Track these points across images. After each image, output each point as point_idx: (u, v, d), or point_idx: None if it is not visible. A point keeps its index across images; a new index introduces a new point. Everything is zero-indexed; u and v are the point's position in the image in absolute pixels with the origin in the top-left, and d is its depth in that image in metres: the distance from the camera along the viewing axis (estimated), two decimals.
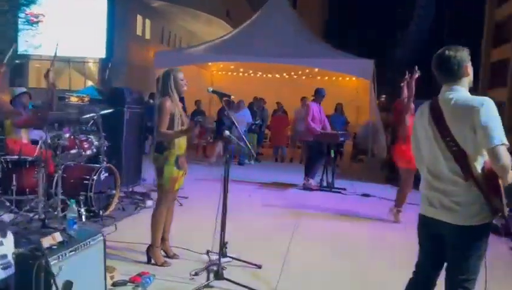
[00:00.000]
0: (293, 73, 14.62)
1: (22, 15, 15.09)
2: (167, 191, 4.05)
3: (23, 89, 5.76)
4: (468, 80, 2.53)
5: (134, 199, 6.25)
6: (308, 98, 9.99)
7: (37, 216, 4.79)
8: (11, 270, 3.02)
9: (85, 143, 5.58)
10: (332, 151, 8.04)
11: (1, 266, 3.07)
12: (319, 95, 8.10)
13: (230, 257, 4.16)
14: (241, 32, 13.24)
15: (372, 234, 5.70)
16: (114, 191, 5.61)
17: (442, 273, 2.60)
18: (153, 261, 4.07)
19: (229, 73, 15.36)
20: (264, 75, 14.95)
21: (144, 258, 4.11)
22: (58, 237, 2.96)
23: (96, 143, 5.71)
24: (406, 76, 6.23)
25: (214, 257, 4.18)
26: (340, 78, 14.97)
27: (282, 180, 8.87)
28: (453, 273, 2.51)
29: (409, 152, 6.15)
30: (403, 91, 6.26)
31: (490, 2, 33.80)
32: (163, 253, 4.18)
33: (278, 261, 4.35)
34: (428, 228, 2.61)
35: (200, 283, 3.63)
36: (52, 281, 2.64)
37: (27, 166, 5.06)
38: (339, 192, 8.04)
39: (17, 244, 3.29)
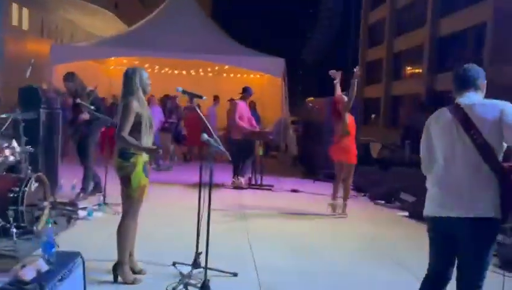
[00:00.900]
0: (201, 70, 14.30)
1: None
2: (135, 202, 3.66)
3: None
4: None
5: (63, 210, 5.57)
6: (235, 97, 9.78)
7: None
8: None
9: (6, 150, 4.81)
10: (261, 149, 8.03)
11: None
12: (247, 93, 8.03)
13: (205, 267, 3.89)
14: (146, 26, 12.62)
15: (325, 229, 5.81)
16: (45, 203, 4.92)
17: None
18: (120, 279, 3.65)
19: None
20: (170, 72, 14.38)
21: (109, 278, 3.68)
22: (42, 265, 2.50)
23: (18, 149, 4.96)
24: (335, 75, 6.43)
25: (183, 268, 3.92)
26: (245, 75, 15.06)
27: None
28: (467, 268, 2.60)
29: (354, 147, 6.41)
30: (336, 89, 6.46)
31: (365, 6, 36.84)
32: None
33: (249, 266, 4.22)
34: (440, 227, 2.68)
35: None
36: None
37: None
38: (269, 189, 8.08)
39: None
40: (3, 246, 4.15)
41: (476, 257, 2.56)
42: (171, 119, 10.77)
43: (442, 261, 2.72)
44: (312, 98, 11.63)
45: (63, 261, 2.69)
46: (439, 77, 26.15)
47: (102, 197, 6.01)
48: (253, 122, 8.20)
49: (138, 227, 3.85)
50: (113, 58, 13.26)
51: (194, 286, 3.58)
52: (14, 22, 19.84)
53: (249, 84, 14.74)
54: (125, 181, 3.62)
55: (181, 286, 3.57)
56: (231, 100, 11.07)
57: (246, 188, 7.97)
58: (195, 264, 3.85)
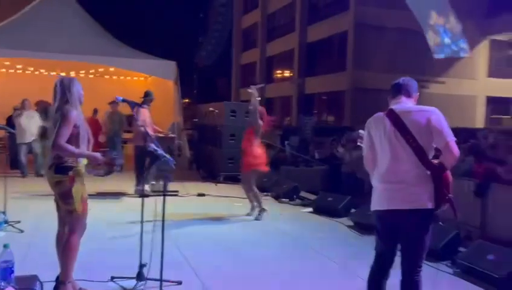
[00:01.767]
0: (83, 72, 13.38)
1: None
2: (81, 216, 3.47)
3: None
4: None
5: None
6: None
7: None
8: None
9: None
10: (168, 155, 7.90)
11: None
12: (149, 97, 7.86)
13: (160, 279, 3.83)
14: (17, 22, 11.51)
15: (247, 228, 6.09)
16: None
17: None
18: None
19: (3, 70, 13.05)
20: (47, 73, 13.20)
21: None
22: None
23: None
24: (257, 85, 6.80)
25: (123, 283, 3.83)
26: (129, 78, 14.62)
27: (111, 189, 8.21)
28: (411, 252, 3.05)
29: (264, 155, 6.74)
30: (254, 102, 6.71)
31: (237, 10, 37.94)
32: None
33: (187, 272, 4.27)
34: (387, 220, 3.09)
35: None
36: None
37: None
38: (175, 194, 8.00)
39: None
40: None
41: (418, 241, 2.99)
42: None
43: (388, 247, 3.12)
44: (211, 107, 11.28)
45: (26, 287, 2.50)
46: (307, 80, 28.21)
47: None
48: (156, 127, 8.07)
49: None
50: None
51: None
52: None
53: (132, 86, 14.36)
54: (66, 197, 3.40)
55: None
56: (112, 103, 10.61)
57: (151, 195, 7.79)
58: (140, 276, 3.77)
